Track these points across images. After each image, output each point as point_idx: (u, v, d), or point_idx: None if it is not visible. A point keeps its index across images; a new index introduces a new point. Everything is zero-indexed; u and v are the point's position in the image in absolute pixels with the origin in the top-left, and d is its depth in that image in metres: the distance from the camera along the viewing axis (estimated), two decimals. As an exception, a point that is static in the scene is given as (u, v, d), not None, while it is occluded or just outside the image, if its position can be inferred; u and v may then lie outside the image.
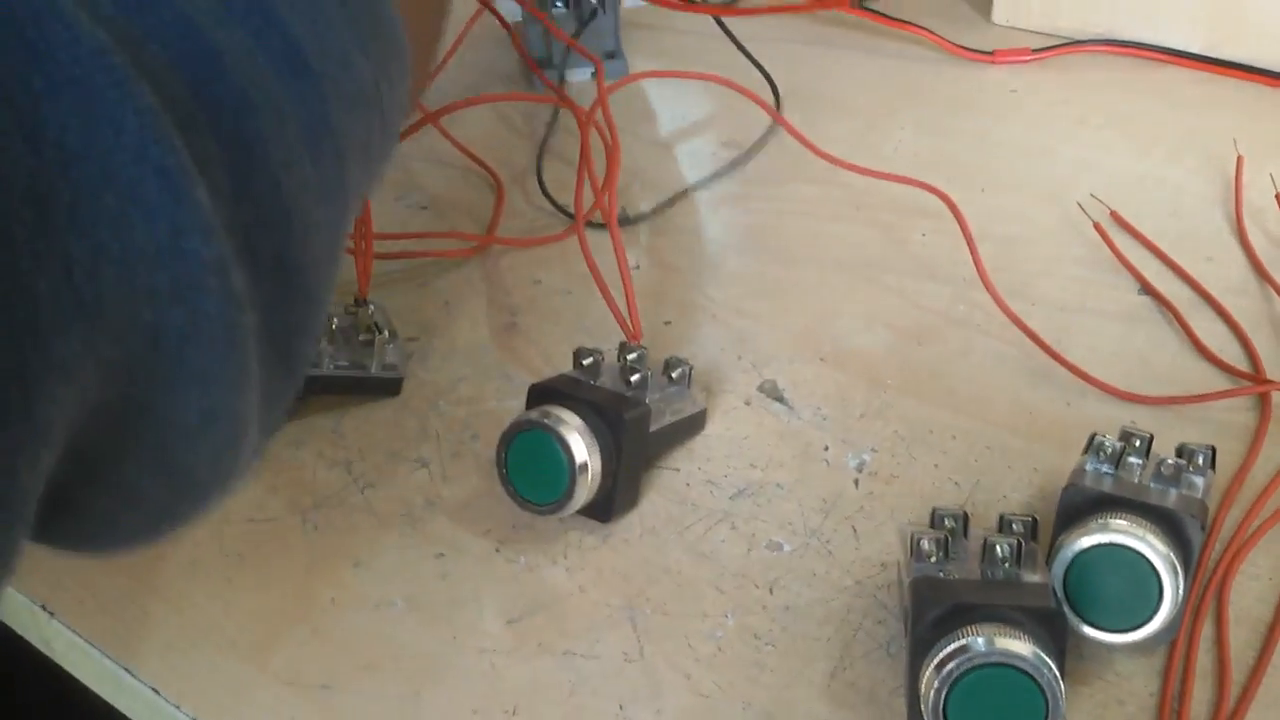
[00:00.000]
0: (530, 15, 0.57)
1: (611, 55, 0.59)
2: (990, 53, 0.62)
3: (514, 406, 0.42)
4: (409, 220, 0.54)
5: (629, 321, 0.42)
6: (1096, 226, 0.49)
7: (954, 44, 0.62)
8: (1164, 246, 0.49)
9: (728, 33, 0.60)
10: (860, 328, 0.46)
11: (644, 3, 0.59)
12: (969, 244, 0.46)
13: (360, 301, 0.45)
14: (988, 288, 0.45)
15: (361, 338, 0.44)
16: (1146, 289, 0.47)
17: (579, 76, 0.60)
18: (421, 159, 0.58)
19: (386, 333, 0.44)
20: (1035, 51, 0.62)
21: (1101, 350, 0.44)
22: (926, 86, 0.60)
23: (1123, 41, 0.61)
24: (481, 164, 0.57)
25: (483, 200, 0.55)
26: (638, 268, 0.50)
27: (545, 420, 0.36)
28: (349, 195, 0.27)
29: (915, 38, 0.63)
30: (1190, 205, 0.51)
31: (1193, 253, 0.48)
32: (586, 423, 0.37)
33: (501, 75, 0.63)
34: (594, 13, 0.57)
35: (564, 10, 0.57)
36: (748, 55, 0.60)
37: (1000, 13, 0.65)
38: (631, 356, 0.41)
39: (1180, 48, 0.60)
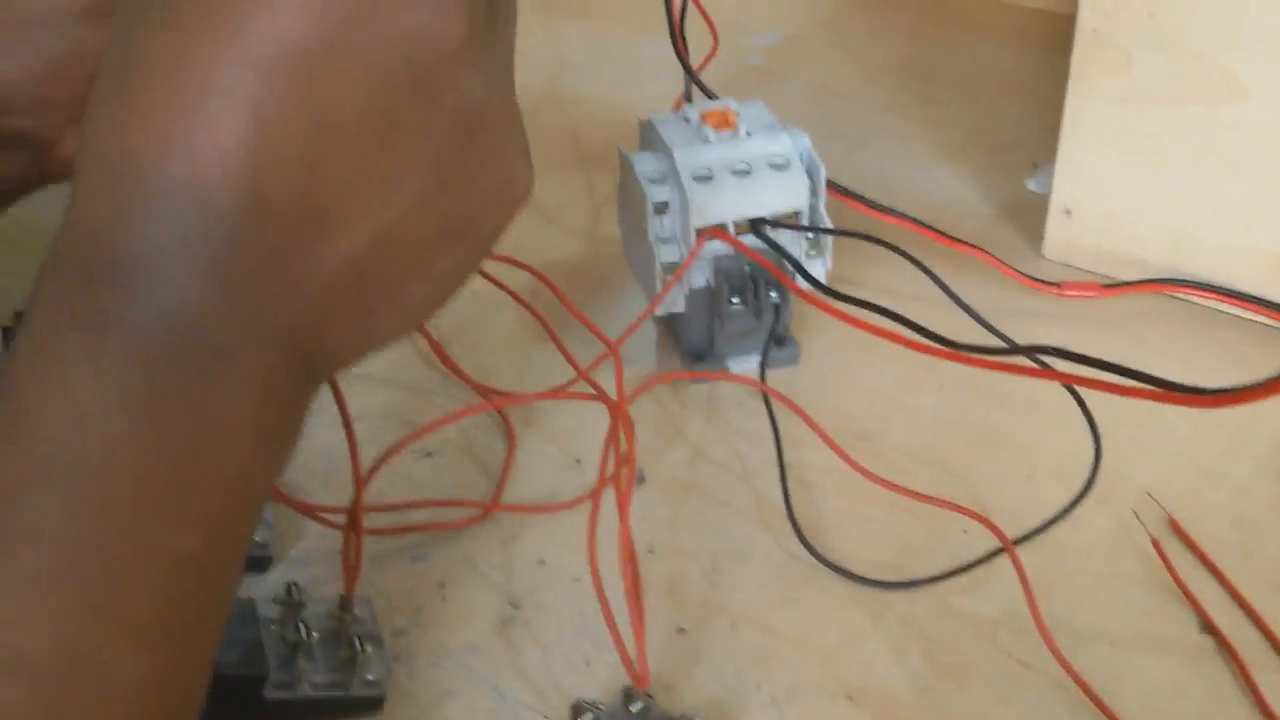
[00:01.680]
0: (696, 311, 0.53)
1: (781, 342, 0.54)
2: (1057, 284, 0.58)
3: (506, 738, 0.39)
4: (411, 469, 0.51)
5: (635, 663, 0.38)
6: (1154, 544, 0.45)
7: (1017, 271, 0.58)
8: (1226, 566, 0.44)
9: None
10: (893, 655, 0.42)
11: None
12: (1020, 575, 0.42)
13: (346, 604, 0.41)
14: (1038, 624, 0.41)
15: (343, 653, 0.40)
16: (1208, 626, 0.43)
17: (743, 366, 0.55)
18: (437, 393, 0.55)
19: (369, 648, 0.40)
20: (1105, 287, 0.58)
21: (1157, 704, 0.40)
22: (966, 329, 0.56)
23: (1196, 283, 0.57)
24: (499, 411, 0.53)
25: (493, 447, 0.52)
26: (652, 552, 0.46)
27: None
28: None
29: (969, 261, 0.58)
30: (1255, 513, 0.47)
31: (1259, 579, 0.44)
32: (581, 815, 0.33)
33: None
34: (777, 310, 0.52)
35: (740, 308, 0.52)
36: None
37: (1051, 248, 0.61)
38: (636, 708, 0.37)
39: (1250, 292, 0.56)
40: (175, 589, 0.26)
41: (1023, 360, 0.43)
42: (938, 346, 0.42)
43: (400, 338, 0.31)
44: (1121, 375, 0.36)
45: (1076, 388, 0.49)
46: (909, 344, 0.43)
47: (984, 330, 0.53)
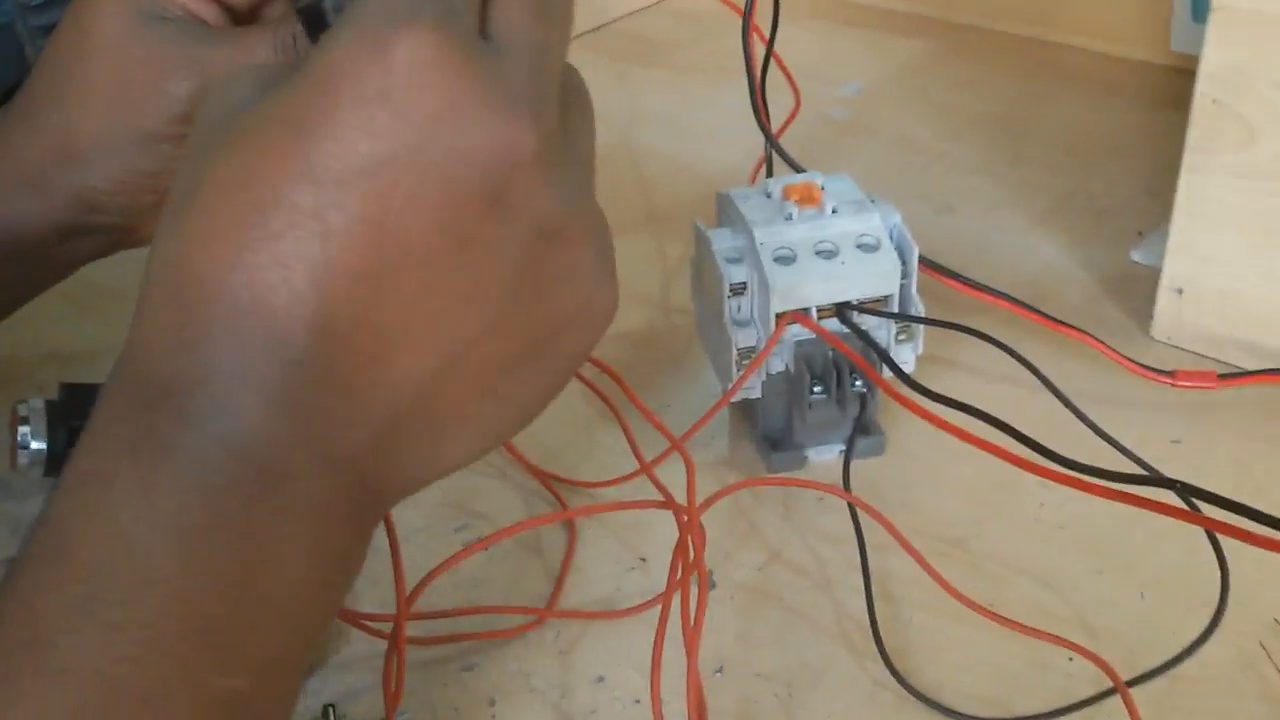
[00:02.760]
0: (773, 397, 0.49)
1: (867, 430, 0.50)
2: (1170, 373, 0.53)
3: None
4: (465, 562, 0.47)
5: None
6: (1285, 680, 0.40)
7: (1126, 357, 0.53)
8: (1368, 708, 0.40)
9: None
10: (989, 806, 0.38)
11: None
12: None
13: (386, 731, 0.38)
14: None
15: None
16: (1349, 782, 0.38)
17: (824, 455, 0.51)
18: (493, 474, 0.51)
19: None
20: (1221, 377, 0.53)
21: None
22: (1071, 423, 0.52)
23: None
24: (557, 496, 0.50)
25: (553, 539, 0.48)
26: (720, 671, 0.42)
27: None
28: None
29: (1071, 346, 0.53)
30: (1400, 646, 0.42)
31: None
32: None
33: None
34: (862, 400, 0.49)
35: (823, 397, 0.48)
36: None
37: (1160, 328, 0.57)
38: None
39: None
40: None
41: (1152, 489, 0.38)
42: (1052, 468, 0.37)
43: (472, 462, 0.29)
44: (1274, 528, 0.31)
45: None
46: (1017, 461, 0.39)
47: (1090, 430, 0.48)
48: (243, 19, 0.45)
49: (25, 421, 0.50)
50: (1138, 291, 0.59)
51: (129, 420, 0.25)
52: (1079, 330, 0.53)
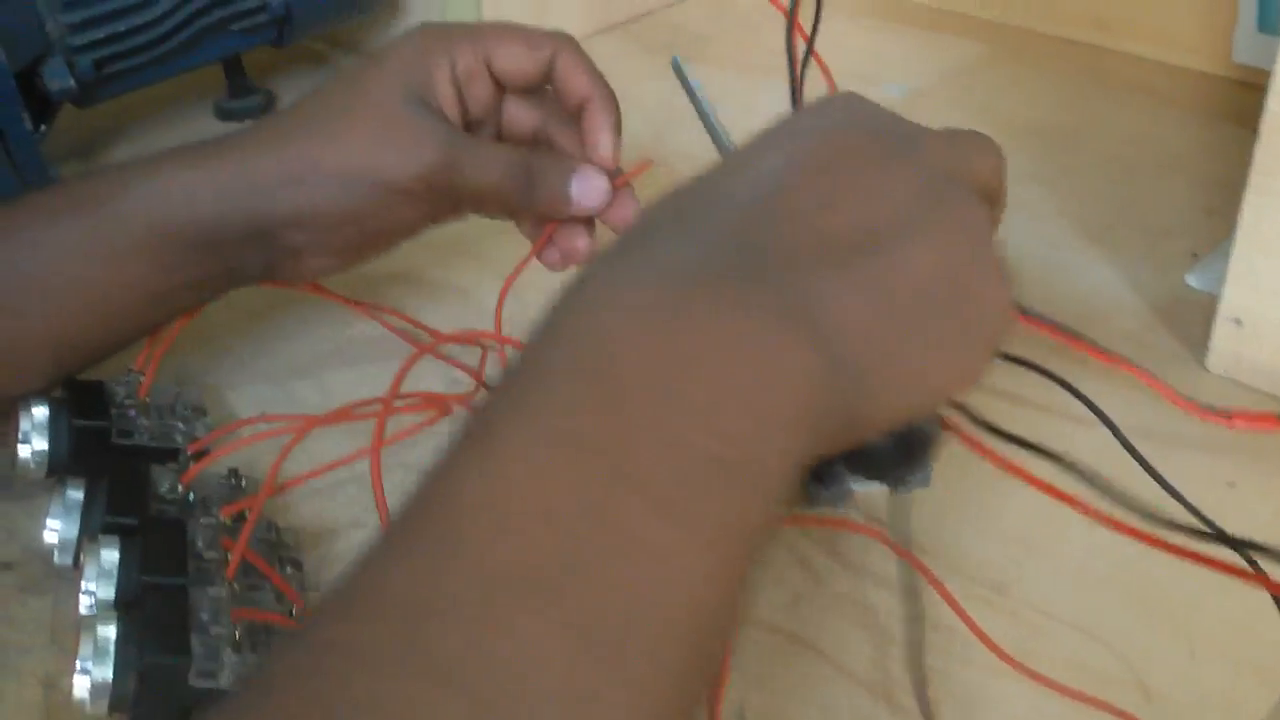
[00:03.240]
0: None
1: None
2: (1227, 414, 0.50)
3: None
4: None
5: None
6: (1349, 757, 0.38)
7: (1180, 395, 0.50)
8: None
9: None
10: None
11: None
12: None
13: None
14: None
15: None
16: None
17: (868, 485, 0.48)
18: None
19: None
20: (1285, 421, 0.50)
21: None
22: (1121, 461, 0.49)
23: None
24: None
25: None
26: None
27: None
28: None
29: (1121, 376, 0.50)
30: None
31: None
32: None
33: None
34: (912, 430, 0.46)
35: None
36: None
37: (1217, 361, 0.54)
38: None
39: None
40: (698, 479, 0.26)
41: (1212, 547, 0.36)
42: (1108, 513, 0.35)
43: (899, 416, 0.32)
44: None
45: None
46: (1069, 500, 0.36)
47: (1144, 471, 0.45)
48: (470, 126, 0.51)
49: (29, 418, 0.48)
50: (1193, 319, 0.57)
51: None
52: (1129, 363, 0.50)
